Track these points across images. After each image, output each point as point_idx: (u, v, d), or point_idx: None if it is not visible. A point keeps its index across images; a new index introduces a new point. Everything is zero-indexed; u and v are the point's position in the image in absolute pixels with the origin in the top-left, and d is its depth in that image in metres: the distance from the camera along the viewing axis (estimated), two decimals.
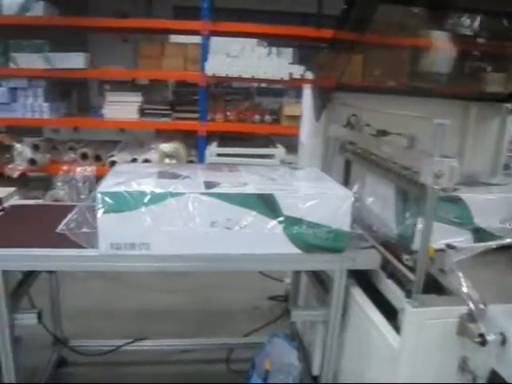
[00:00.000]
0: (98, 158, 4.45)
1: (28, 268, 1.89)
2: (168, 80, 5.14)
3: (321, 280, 2.11)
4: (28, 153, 4.37)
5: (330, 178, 2.05)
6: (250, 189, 1.74)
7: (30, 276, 2.06)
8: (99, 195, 1.63)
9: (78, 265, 1.79)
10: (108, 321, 3.11)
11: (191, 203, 1.66)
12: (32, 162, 4.37)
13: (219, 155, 4.24)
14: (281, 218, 1.71)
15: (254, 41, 4.71)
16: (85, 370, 2.61)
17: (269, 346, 2.23)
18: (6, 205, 2.41)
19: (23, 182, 4.22)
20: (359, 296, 1.90)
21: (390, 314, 1.70)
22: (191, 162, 4.32)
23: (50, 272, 2.38)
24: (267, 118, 4.52)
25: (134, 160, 4.24)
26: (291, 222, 1.71)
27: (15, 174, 4.32)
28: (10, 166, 4.35)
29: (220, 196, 1.68)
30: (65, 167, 4.15)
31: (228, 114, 4.46)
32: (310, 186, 1.89)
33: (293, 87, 4.59)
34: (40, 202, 2.41)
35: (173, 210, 1.66)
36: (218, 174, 1.95)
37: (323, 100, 2.31)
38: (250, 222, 1.69)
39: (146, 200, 1.64)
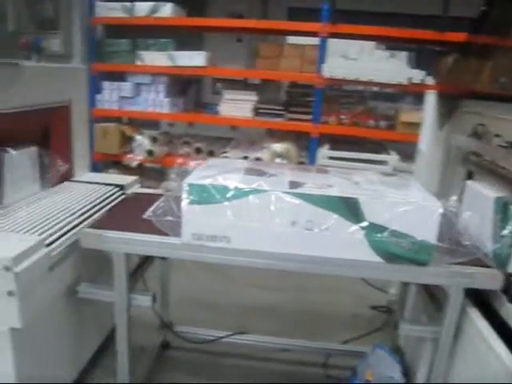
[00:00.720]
0: (211, 154, 4.58)
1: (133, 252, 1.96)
2: (281, 81, 5.16)
3: (431, 294, 2.01)
4: (147, 145, 4.61)
5: (421, 186, 1.92)
6: (334, 191, 1.69)
7: (146, 261, 2.19)
8: (186, 186, 1.69)
9: (161, 251, 1.88)
10: (210, 311, 3.22)
11: (273, 201, 1.67)
12: (149, 153, 4.60)
13: (331, 158, 4.20)
14: (363, 224, 1.65)
15: (372, 43, 4.59)
16: (186, 355, 2.74)
17: (372, 356, 2.18)
18: (128, 192, 2.59)
19: (139, 172, 4.47)
20: (476, 317, 1.77)
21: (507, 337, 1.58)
22: (301, 163, 4.31)
23: (163, 258, 2.50)
24: (382, 123, 4.38)
25: (245, 158, 4.31)
26: (374, 229, 1.65)
27: (133, 164, 4.61)
28: (129, 156, 4.65)
29: (302, 196, 1.66)
30: (179, 160, 4.37)
31: (342, 117, 4.39)
32: (397, 194, 1.78)
33: (411, 92, 4.43)
34: (159, 191, 2.54)
35: (255, 206, 1.67)
36: (305, 175, 1.93)
37: (449, 108, 2.19)
38: (330, 225, 1.66)
39: (229, 195, 1.67)
